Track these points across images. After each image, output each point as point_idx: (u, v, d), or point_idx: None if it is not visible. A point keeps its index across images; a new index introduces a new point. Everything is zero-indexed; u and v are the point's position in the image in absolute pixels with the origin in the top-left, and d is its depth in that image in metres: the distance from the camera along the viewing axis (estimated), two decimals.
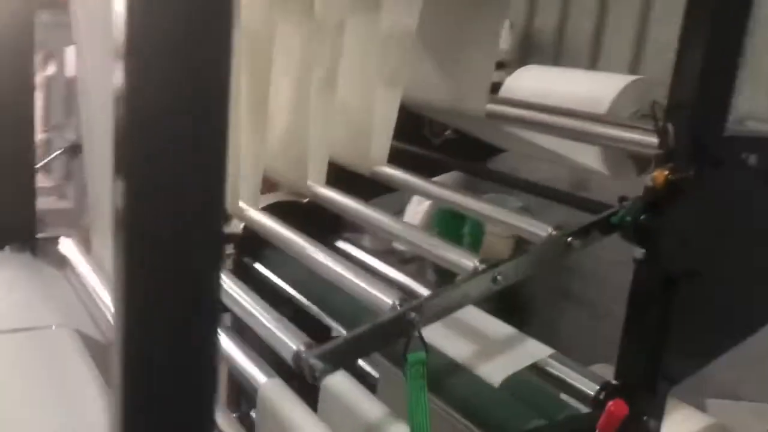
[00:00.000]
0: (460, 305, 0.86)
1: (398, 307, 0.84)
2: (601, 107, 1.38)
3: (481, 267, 0.89)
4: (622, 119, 1.34)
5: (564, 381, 1.08)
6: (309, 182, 1.24)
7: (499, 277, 0.87)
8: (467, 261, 0.91)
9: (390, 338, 0.82)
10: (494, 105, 1.37)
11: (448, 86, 1.40)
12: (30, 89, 1.43)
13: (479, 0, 1.36)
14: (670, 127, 0.95)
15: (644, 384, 1.01)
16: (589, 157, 1.43)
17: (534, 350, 1.07)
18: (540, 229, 0.97)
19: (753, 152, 0.97)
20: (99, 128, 1.06)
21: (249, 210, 1.21)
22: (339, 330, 1.22)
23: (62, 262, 1.38)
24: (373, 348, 0.87)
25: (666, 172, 0.91)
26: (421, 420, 0.82)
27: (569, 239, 0.93)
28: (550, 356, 1.10)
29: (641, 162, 1.54)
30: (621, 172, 1.48)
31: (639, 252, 0.97)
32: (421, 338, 0.84)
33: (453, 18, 1.34)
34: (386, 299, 0.85)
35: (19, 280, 1.22)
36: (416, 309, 0.83)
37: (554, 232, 0.95)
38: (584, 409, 1.03)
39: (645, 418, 1.02)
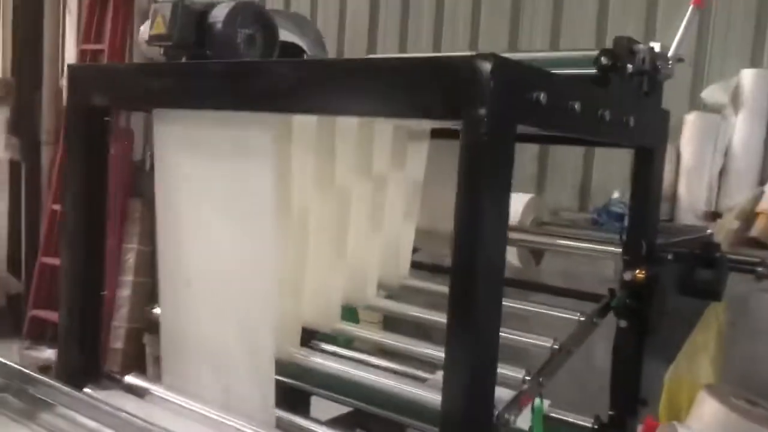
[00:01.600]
0: (556, 370, 1.33)
1: (528, 378, 1.27)
2: (514, 218, 1.97)
3: (558, 344, 1.37)
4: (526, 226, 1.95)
5: (566, 421, 1.58)
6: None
7: (573, 349, 1.36)
8: (547, 343, 1.38)
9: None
10: None
11: (430, 216, 1.86)
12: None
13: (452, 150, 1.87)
14: (631, 243, 1.54)
15: (629, 409, 1.56)
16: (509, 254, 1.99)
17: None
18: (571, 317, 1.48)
19: (668, 252, 1.60)
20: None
21: None
22: None
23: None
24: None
25: (641, 272, 1.48)
26: None
27: (594, 319, 1.45)
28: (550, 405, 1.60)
29: (537, 256, 2.17)
30: (527, 264, 2.09)
31: (623, 323, 1.53)
32: (541, 395, 1.28)
33: (436, 165, 1.82)
34: (518, 373, 1.27)
35: None
36: (539, 375, 1.27)
37: (582, 318, 1.46)
38: None
39: None
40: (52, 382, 1.38)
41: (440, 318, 1.62)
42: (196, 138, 1.43)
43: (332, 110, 1.19)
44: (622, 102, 1.33)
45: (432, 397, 1.49)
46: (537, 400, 1.27)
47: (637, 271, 1.50)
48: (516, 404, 1.17)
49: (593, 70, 1.33)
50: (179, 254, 1.49)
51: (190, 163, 1.44)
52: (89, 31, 5.12)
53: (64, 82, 5.57)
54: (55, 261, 5.02)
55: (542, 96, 1.01)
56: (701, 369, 2.71)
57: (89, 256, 1.61)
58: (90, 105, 1.51)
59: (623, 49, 1.33)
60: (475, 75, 0.93)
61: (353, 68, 1.09)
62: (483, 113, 0.94)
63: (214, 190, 1.42)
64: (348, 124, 1.51)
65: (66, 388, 1.35)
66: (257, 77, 1.24)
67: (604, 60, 1.31)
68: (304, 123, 1.41)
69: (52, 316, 4.88)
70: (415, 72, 0.99)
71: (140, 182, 4.80)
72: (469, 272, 0.98)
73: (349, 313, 2.81)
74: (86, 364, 1.60)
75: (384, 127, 1.60)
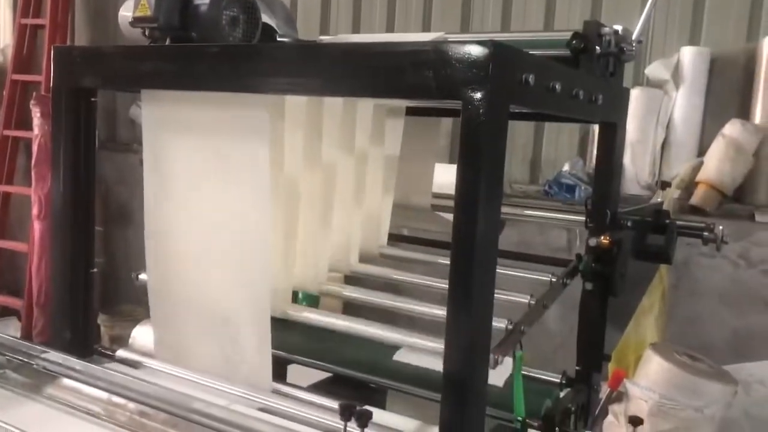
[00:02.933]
0: (534, 321, 1.45)
1: (511, 325, 1.39)
2: None
3: (534, 300, 1.49)
4: None
5: (537, 377, 1.70)
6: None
7: (547, 303, 1.48)
8: (523, 299, 1.51)
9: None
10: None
11: (403, 189, 1.95)
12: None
13: (422, 126, 1.96)
14: (595, 212, 1.67)
15: (594, 365, 1.70)
16: None
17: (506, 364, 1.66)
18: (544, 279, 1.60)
19: (628, 219, 1.73)
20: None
21: None
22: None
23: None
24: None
25: (606, 238, 1.61)
26: (518, 392, 1.36)
27: (565, 280, 1.58)
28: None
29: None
30: None
31: (589, 285, 1.66)
32: (520, 343, 1.40)
33: (407, 141, 1.91)
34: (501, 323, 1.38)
35: None
36: (521, 324, 1.39)
37: (554, 279, 1.58)
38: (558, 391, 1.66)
39: (596, 387, 1.70)
40: (57, 353, 1.42)
41: (417, 280, 1.73)
42: (186, 117, 1.47)
43: (336, 91, 1.27)
44: (592, 81, 1.44)
45: (410, 361, 1.60)
46: (518, 348, 1.39)
47: (602, 237, 1.63)
48: (502, 348, 1.29)
49: (565, 52, 1.44)
50: (169, 230, 1.53)
51: (179, 140, 1.48)
52: (27, 4, 4.95)
53: (1, 57, 5.39)
54: (2, 244, 4.90)
55: (531, 77, 1.11)
56: (647, 329, 2.92)
57: (78, 235, 1.64)
58: (77, 86, 1.53)
59: (592, 32, 1.45)
60: (476, 59, 1.02)
61: (358, 52, 1.17)
62: (482, 94, 1.03)
63: (205, 167, 1.47)
64: (334, 102, 1.58)
65: (73, 359, 1.39)
66: (254, 61, 1.29)
67: (575, 43, 1.42)
68: (295, 102, 1.47)
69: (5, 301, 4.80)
70: (417, 55, 1.07)
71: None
72: (470, 238, 1.08)
73: (310, 299, 2.90)
74: (78, 340, 1.64)
75: (365, 106, 1.67)
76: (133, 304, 4.44)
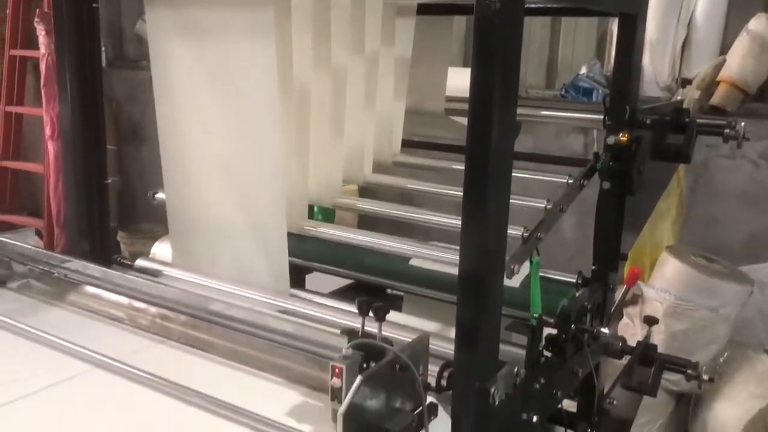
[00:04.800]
0: (551, 226, 1.44)
1: (527, 233, 1.38)
2: None
3: (550, 205, 1.47)
4: None
5: (553, 279, 1.70)
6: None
7: (564, 206, 1.47)
8: (539, 204, 1.49)
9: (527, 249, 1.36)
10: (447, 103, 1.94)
11: (415, 94, 1.91)
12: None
13: (433, 27, 1.90)
14: (613, 109, 1.62)
15: (611, 265, 1.70)
16: None
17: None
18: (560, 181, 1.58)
19: (647, 117, 1.69)
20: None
21: None
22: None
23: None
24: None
25: (625, 135, 1.57)
26: (535, 291, 1.37)
27: (581, 181, 1.56)
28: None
29: None
30: None
31: (606, 184, 1.64)
32: (537, 250, 1.39)
33: (419, 43, 1.85)
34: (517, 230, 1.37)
35: None
36: (537, 231, 1.38)
37: (570, 180, 1.56)
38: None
39: (612, 286, 1.71)
40: (77, 261, 1.44)
41: (432, 189, 1.72)
42: (190, 20, 1.43)
43: None
44: None
45: (427, 265, 1.61)
46: (535, 254, 1.38)
47: (621, 134, 1.59)
48: (518, 256, 1.29)
49: None
50: (181, 140, 1.52)
51: (186, 46, 1.44)
52: None
53: None
54: (16, 165, 4.93)
55: None
56: (663, 233, 2.91)
57: (88, 146, 1.63)
58: None
59: None
60: None
61: None
62: None
63: (214, 75, 1.44)
64: (341, 1, 1.52)
65: (93, 266, 1.41)
66: None
67: None
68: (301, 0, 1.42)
69: (18, 220, 4.85)
70: None
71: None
72: (485, 140, 1.05)
73: (325, 213, 2.90)
74: (96, 251, 1.66)
75: (374, 3, 1.61)
76: (152, 222, 4.49)
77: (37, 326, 1.27)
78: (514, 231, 1.35)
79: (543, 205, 1.50)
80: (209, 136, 1.47)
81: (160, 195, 1.66)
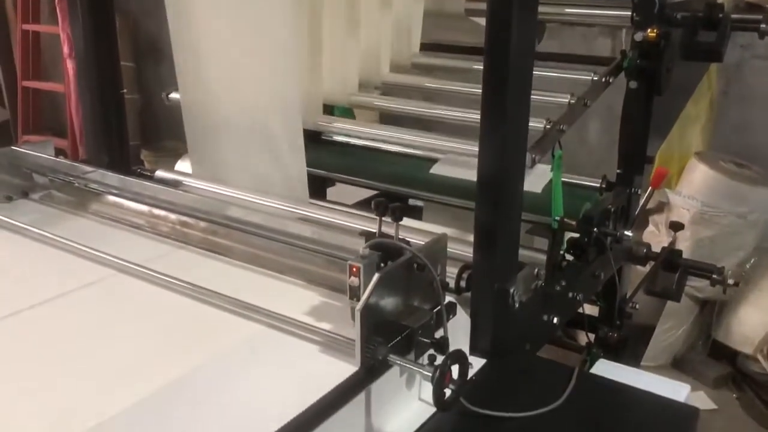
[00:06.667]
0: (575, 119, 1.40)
1: (549, 125, 1.35)
2: None
3: (574, 99, 1.43)
4: None
5: (577, 183, 1.67)
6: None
7: (588, 102, 1.43)
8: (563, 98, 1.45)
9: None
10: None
11: None
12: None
13: None
14: (642, 3, 1.55)
15: (636, 167, 1.66)
16: None
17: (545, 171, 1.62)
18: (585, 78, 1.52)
19: (677, 12, 1.61)
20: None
21: None
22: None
23: None
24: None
25: (653, 31, 1.50)
26: (557, 192, 1.35)
27: (607, 78, 1.50)
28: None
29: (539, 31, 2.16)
30: None
31: (633, 84, 1.58)
32: (559, 143, 1.36)
33: None
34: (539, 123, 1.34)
35: None
36: (560, 123, 1.35)
37: (596, 77, 1.51)
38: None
39: (637, 190, 1.67)
40: (98, 171, 1.44)
41: (452, 87, 1.67)
42: None
43: None
44: None
45: (447, 173, 1.59)
46: (557, 148, 1.36)
47: (649, 30, 1.52)
48: (539, 147, 1.26)
49: None
50: (194, 38, 1.48)
51: None
52: None
53: None
54: (37, 85, 4.93)
55: None
56: (692, 139, 2.84)
57: (102, 59, 1.61)
58: None
59: None
60: None
61: None
62: None
63: None
64: None
65: (113, 175, 1.41)
66: None
67: None
68: None
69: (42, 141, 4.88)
70: None
71: None
72: (504, 35, 1.01)
73: (344, 113, 2.87)
74: (116, 163, 1.66)
75: None
76: (174, 139, 4.49)
77: (61, 235, 1.29)
78: (536, 124, 1.32)
79: (567, 100, 1.46)
80: (221, 33, 1.43)
81: (174, 95, 1.64)
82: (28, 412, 0.86)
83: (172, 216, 1.33)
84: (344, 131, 1.58)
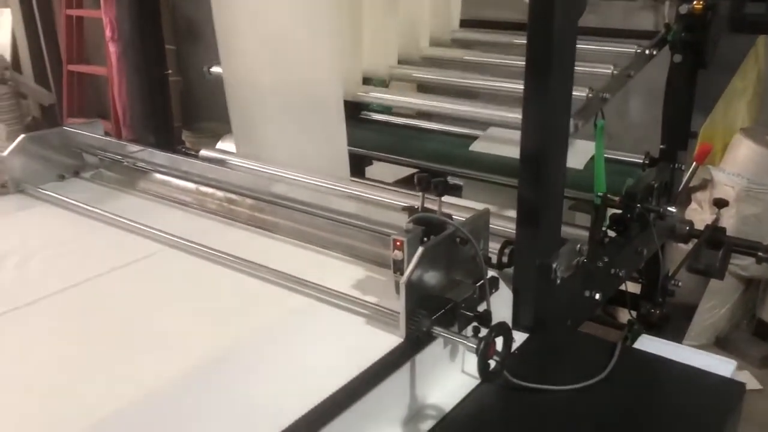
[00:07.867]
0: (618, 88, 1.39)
1: (591, 93, 1.34)
2: None
3: (617, 70, 1.42)
4: None
5: (620, 160, 1.65)
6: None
7: (631, 73, 1.41)
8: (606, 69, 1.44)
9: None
10: None
11: None
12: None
13: None
14: None
15: (680, 142, 1.64)
16: None
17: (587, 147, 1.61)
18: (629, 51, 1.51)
19: None
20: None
21: None
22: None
23: None
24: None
25: (700, 3, 1.48)
26: (599, 166, 1.35)
27: (650, 51, 1.48)
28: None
29: None
30: None
31: (678, 57, 1.55)
32: (602, 112, 1.35)
33: None
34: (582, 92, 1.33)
35: None
36: (603, 92, 1.34)
37: (639, 50, 1.49)
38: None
39: (680, 165, 1.65)
40: (145, 150, 1.48)
41: (494, 60, 1.67)
42: None
43: None
44: None
45: (487, 150, 1.58)
46: (599, 117, 1.35)
47: (695, 2, 1.49)
48: (582, 114, 1.25)
49: None
50: (236, 12, 1.49)
51: None
52: None
53: None
54: (81, 68, 5.02)
55: None
56: (738, 114, 2.76)
57: (146, 41, 1.64)
58: None
59: None
60: None
61: None
62: None
63: None
64: None
65: (161, 153, 1.45)
66: None
67: None
68: None
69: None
70: None
71: None
72: (548, 7, 1.01)
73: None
74: (161, 143, 1.70)
75: None
76: (215, 121, 4.54)
77: (112, 211, 1.33)
78: (579, 93, 1.31)
79: (610, 71, 1.44)
80: (261, 7, 1.45)
81: (215, 69, 1.66)
82: (98, 369, 0.92)
83: (219, 193, 1.36)
84: (383, 101, 1.59)
